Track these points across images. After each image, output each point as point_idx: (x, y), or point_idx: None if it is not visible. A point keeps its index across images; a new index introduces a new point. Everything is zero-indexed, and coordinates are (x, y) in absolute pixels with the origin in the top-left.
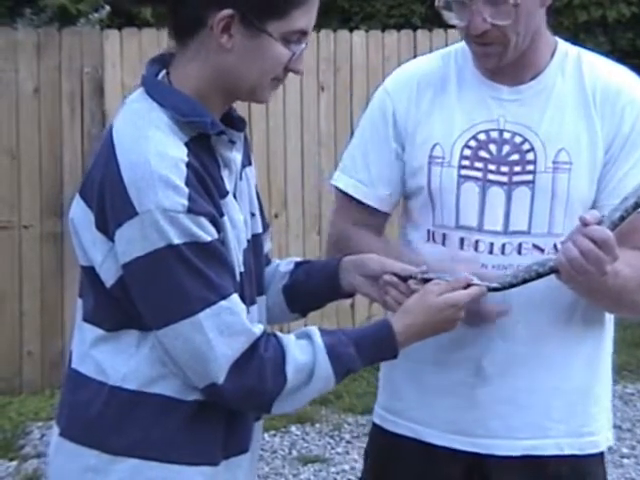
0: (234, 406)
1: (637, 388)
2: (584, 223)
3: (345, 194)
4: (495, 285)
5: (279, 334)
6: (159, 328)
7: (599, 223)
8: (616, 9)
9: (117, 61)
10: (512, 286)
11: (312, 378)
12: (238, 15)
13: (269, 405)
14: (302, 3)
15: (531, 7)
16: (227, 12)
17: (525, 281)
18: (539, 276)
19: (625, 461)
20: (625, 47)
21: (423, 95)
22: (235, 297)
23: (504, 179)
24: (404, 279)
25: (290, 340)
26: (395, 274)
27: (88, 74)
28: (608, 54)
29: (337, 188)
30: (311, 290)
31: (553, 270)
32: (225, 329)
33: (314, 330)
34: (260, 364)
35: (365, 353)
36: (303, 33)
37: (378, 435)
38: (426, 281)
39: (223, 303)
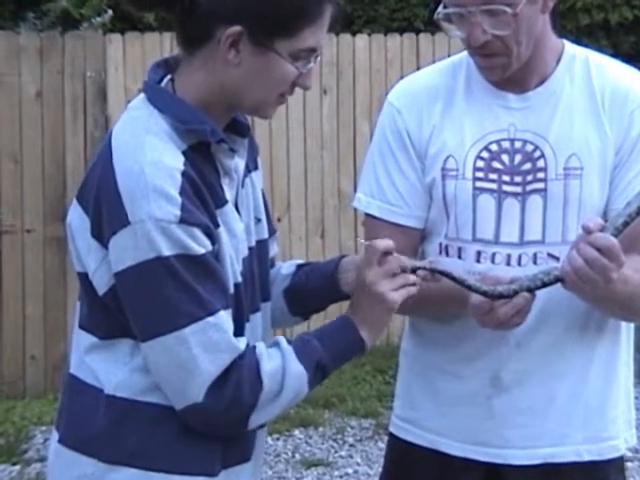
0: (216, 424)
1: None
2: (587, 231)
3: (379, 220)
4: (499, 292)
5: (257, 344)
6: (145, 340)
7: (602, 230)
8: (618, 12)
9: (120, 65)
10: (516, 293)
11: (285, 378)
12: (246, 32)
13: (247, 416)
14: (312, 22)
15: (531, 15)
16: (235, 29)
17: (530, 290)
18: (544, 285)
19: (629, 464)
20: (628, 50)
21: (432, 108)
22: (222, 314)
23: (518, 189)
24: (411, 271)
25: (262, 348)
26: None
27: (91, 78)
28: (610, 57)
29: (368, 215)
30: (311, 292)
31: (558, 279)
32: (210, 346)
33: (280, 338)
34: (237, 373)
35: (329, 343)
36: (312, 50)
37: (394, 444)
38: (434, 271)
39: (210, 319)
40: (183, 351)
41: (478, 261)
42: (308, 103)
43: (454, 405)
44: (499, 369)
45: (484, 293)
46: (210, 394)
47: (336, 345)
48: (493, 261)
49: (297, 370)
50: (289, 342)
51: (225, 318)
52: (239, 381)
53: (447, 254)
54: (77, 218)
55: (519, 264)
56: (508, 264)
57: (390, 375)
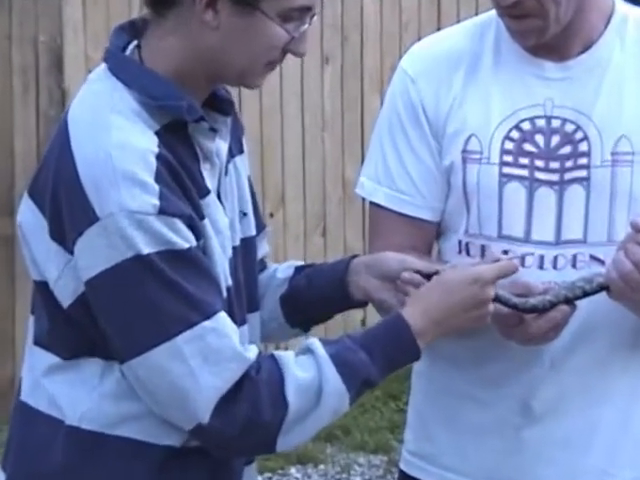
0: (232, 448)
1: None
2: (637, 229)
3: (386, 210)
4: (532, 305)
5: (276, 353)
6: (131, 358)
7: None
8: None
9: (79, 28)
10: (553, 306)
11: (321, 397)
12: None
13: (273, 439)
14: None
15: None
16: None
17: (568, 300)
18: (585, 294)
19: None
20: None
21: (453, 78)
22: (222, 316)
23: (554, 177)
24: (428, 277)
25: (289, 358)
26: (418, 272)
27: (44, 44)
28: None
29: (373, 204)
30: (314, 299)
31: (602, 287)
32: (210, 355)
33: (315, 341)
34: (252, 390)
35: (379, 357)
36: (306, 9)
37: None
38: None
39: (207, 324)
40: (177, 365)
41: None
42: (306, 75)
43: (476, 437)
44: (530, 394)
45: (514, 306)
46: (218, 414)
47: (387, 356)
48: (523, 263)
49: (337, 388)
50: (326, 344)
51: (226, 320)
52: (255, 398)
53: (468, 253)
54: (30, 217)
55: (554, 267)
56: (541, 267)
57: (404, 402)
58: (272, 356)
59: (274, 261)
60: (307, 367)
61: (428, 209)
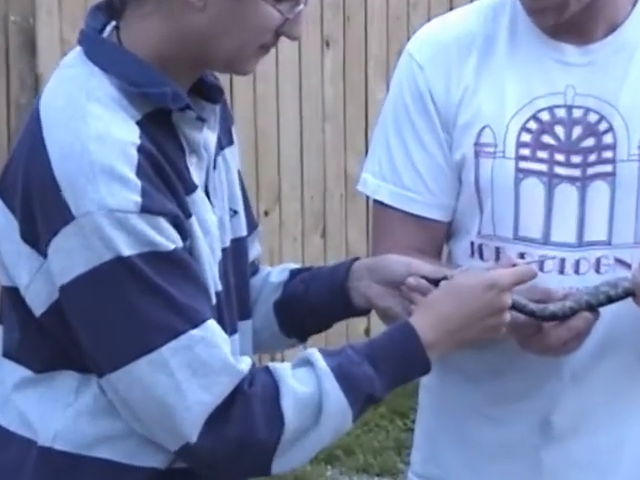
0: (223, 470)
1: None
2: None
3: (391, 209)
4: (552, 312)
5: (272, 365)
6: (110, 371)
7: None
8: None
9: (54, 8)
10: (574, 312)
11: (321, 414)
12: None
13: (268, 460)
14: None
15: None
16: None
17: (590, 307)
18: (610, 300)
19: None
20: None
21: (464, 63)
22: (211, 324)
23: (576, 173)
24: (436, 283)
25: (285, 370)
26: (424, 277)
27: (15, 24)
28: None
29: (378, 202)
30: (311, 306)
31: (628, 293)
32: (199, 367)
33: (314, 353)
34: (245, 405)
35: (385, 370)
36: None
37: None
38: None
39: (195, 332)
40: (163, 379)
41: None
42: (305, 59)
43: (491, 458)
44: (550, 410)
45: (531, 313)
46: (208, 432)
47: (394, 370)
48: (542, 268)
49: (338, 404)
50: (327, 355)
51: (215, 329)
52: (248, 415)
53: (481, 256)
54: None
55: (576, 272)
56: (562, 272)
57: (412, 419)
58: (267, 368)
59: (269, 264)
60: (306, 381)
61: (437, 208)
